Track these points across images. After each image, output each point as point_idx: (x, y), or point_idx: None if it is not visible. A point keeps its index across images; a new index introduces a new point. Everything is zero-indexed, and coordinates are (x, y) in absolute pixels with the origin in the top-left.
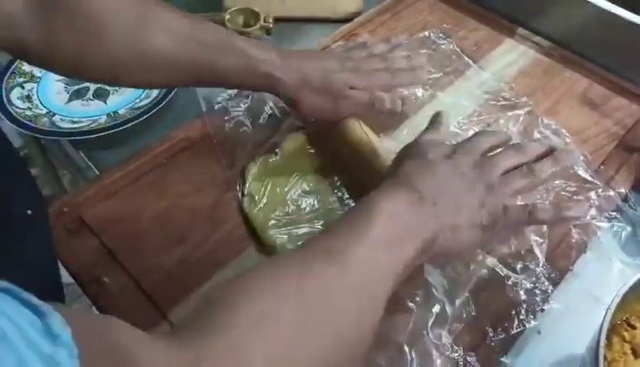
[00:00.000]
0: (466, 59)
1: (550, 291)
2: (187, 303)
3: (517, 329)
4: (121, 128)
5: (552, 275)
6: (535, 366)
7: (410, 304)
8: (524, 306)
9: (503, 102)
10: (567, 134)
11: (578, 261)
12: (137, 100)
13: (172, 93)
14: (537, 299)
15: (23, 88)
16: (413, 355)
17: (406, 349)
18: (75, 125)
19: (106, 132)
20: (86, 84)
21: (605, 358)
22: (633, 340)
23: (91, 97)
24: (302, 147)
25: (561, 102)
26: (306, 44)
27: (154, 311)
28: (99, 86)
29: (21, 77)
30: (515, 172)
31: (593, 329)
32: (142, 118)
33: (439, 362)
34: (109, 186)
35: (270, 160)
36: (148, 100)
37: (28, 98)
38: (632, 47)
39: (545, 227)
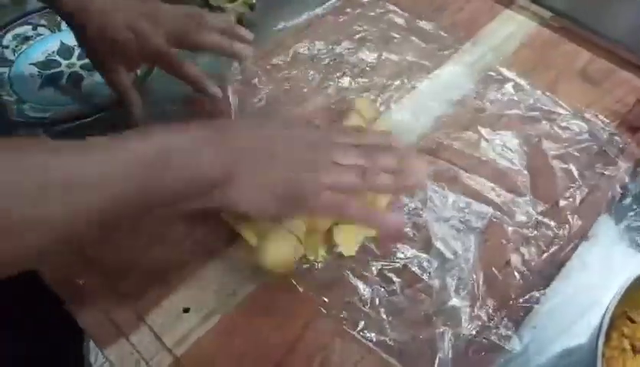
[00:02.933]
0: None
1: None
2: (167, 305)
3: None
4: (95, 117)
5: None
6: (532, 357)
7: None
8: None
9: (498, 77)
10: (568, 109)
11: (578, 249)
12: None
13: (149, 78)
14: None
15: None
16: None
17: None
18: (45, 115)
19: (80, 121)
20: (61, 68)
21: (602, 354)
22: (632, 336)
23: (64, 82)
24: None
25: (561, 78)
26: (292, 20)
27: (131, 314)
28: (73, 70)
29: None
30: (351, 169)
31: (592, 322)
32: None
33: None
34: None
35: None
36: None
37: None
38: (638, 14)
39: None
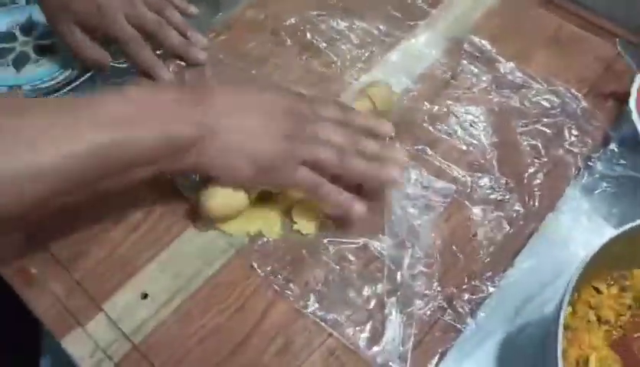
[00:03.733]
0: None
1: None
2: (124, 292)
3: (480, 293)
4: None
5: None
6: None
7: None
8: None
9: (467, 47)
10: (539, 81)
11: (544, 223)
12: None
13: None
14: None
15: None
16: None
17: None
18: None
19: None
20: (13, 44)
21: (567, 327)
22: (598, 306)
23: (9, 63)
24: None
25: (530, 45)
26: None
27: (87, 302)
28: (23, 49)
29: None
30: (332, 147)
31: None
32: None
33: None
34: None
35: None
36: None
37: None
38: None
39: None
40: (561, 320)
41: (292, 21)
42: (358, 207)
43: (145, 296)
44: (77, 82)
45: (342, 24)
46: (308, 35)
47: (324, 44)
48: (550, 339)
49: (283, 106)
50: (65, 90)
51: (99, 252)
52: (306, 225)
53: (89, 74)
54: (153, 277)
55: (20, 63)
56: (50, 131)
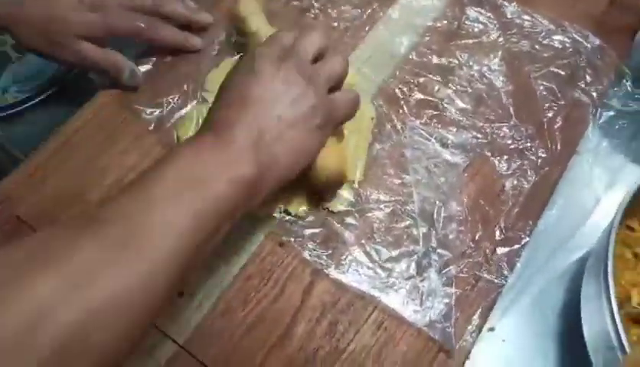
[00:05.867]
0: None
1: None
2: None
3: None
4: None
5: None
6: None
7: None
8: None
9: None
10: (547, 23)
11: (568, 166)
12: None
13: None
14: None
15: None
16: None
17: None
18: None
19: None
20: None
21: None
22: (634, 244)
23: None
24: None
25: None
26: None
27: None
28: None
29: None
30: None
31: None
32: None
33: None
34: (40, 172)
35: None
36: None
37: None
38: None
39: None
40: (610, 253)
41: None
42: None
43: (180, 294)
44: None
45: None
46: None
47: (323, 6)
48: (595, 271)
49: (295, 77)
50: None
51: None
52: (333, 203)
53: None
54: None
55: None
56: (143, 232)
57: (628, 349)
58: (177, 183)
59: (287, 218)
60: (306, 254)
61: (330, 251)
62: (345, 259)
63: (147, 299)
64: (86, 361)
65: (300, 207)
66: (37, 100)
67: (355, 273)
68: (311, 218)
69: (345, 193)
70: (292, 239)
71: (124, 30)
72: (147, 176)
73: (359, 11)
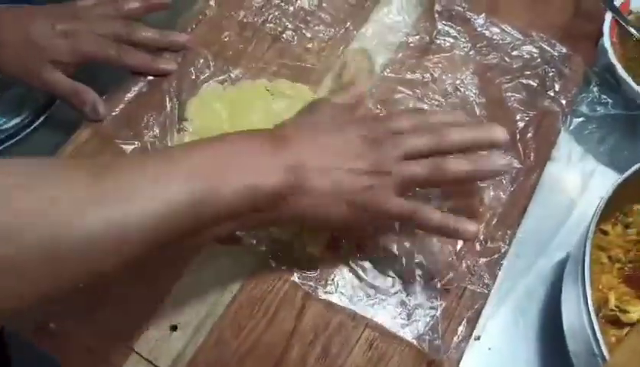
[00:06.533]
0: None
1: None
2: (152, 328)
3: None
4: None
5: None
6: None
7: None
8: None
9: (438, 9)
10: (514, 34)
11: (544, 173)
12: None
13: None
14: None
15: None
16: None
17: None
18: None
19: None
20: None
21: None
22: (608, 247)
23: None
24: None
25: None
26: None
27: (117, 345)
28: None
29: None
30: (422, 160)
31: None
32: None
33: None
34: None
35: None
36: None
37: None
38: None
39: None
40: (587, 255)
41: (258, 8)
42: (472, 228)
43: (174, 328)
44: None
45: (311, 4)
46: (278, 21)
47: (296, 28)
48: (573, 277)
49: (363, 134)
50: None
51: (117, 293)
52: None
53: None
54: (178, 307)
55: None
56: (139, 186)
57: (606, 355)
58: (191, 168)
59: (273, 244)
60: (296, 277)
61: (318, 272)
62: (333, 279)
63: (120, 244)
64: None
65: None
66: (22, 135)
67: (344, 292)
68: (297, 241)
69: None
70: (282, 265)
71: (94, 57)
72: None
73: (332, 30)
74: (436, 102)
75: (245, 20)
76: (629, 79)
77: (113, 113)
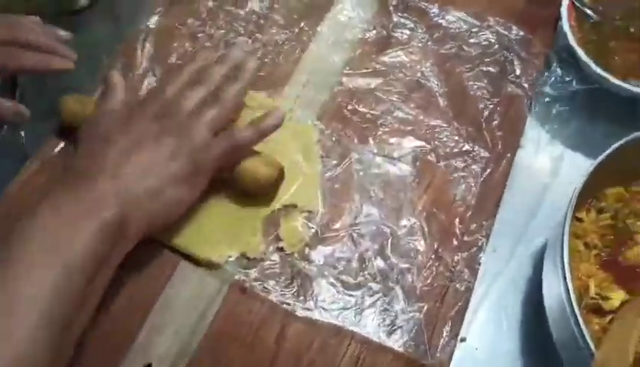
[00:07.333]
0: None
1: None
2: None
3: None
4: None
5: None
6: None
7: None
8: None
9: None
10: (471, 20)
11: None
12: None
13: None
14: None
15: None
16: None
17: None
18: None
19: None
20: None
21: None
22: (583, 234)
23: None
24: None
25: None
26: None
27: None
28: None
29: None
30: (201, 106)
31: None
32: None
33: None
34: None
35: None
36: None
37: None
38: None
39: None
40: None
41: (208, 14)
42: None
43: (148, 366)
44: None
45: (263, 6)
46: (229, 26)
47: (250, 33)
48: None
49: (143, 123)
50: None
51: (87, 335)
52: (290, 245)
53: None
54: (152, 342)
55: None
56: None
57: (592, 346)
58: (40, 246)
59: (245, 262)
60: (273, 297)
61: (295, 289)
62: (312, 294)
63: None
64: None
65: (259, 248)
66: None
67: (324, 307)
68: (272, 258)
69: (300, 227)
70: (256, 284)
71: None
72: (13, 241)
73: (287, 32)
74: (400, 98)
75: (195, 28)
76: (591, 63)
77: None
